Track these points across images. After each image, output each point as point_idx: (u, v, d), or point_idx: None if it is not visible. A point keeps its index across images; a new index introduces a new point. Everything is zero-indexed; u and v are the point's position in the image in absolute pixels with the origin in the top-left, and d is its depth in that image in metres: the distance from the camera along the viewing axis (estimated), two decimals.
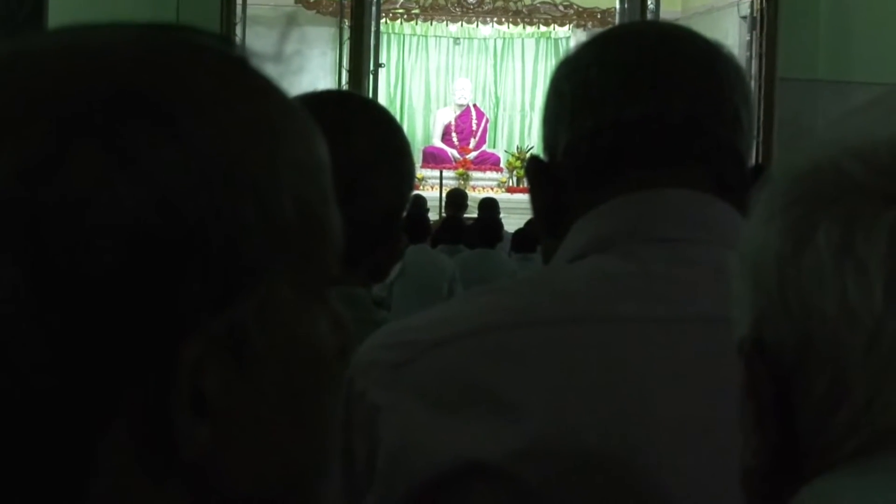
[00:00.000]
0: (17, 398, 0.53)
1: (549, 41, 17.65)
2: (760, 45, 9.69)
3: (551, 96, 1.06)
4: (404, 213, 1.51)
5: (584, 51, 1.06)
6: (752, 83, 9.54)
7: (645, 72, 1.00)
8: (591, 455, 0.87)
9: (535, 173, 1.06)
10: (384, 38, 15.46)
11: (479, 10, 16.93)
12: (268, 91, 0.62)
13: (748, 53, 9.86)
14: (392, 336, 0.98)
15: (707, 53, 1.03)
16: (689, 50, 1.02)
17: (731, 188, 1.00)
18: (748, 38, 10.02)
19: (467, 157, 16.87)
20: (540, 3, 16.51)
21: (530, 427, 0.88)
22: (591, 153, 1.01)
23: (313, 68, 11.30)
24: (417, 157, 17.19)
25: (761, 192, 0.65)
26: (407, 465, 0.91)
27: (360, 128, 1.47)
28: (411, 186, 1.53)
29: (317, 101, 1.46)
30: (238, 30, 8.74)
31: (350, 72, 10.13)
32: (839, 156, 0.62)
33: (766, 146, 9.08)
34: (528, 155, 1.16)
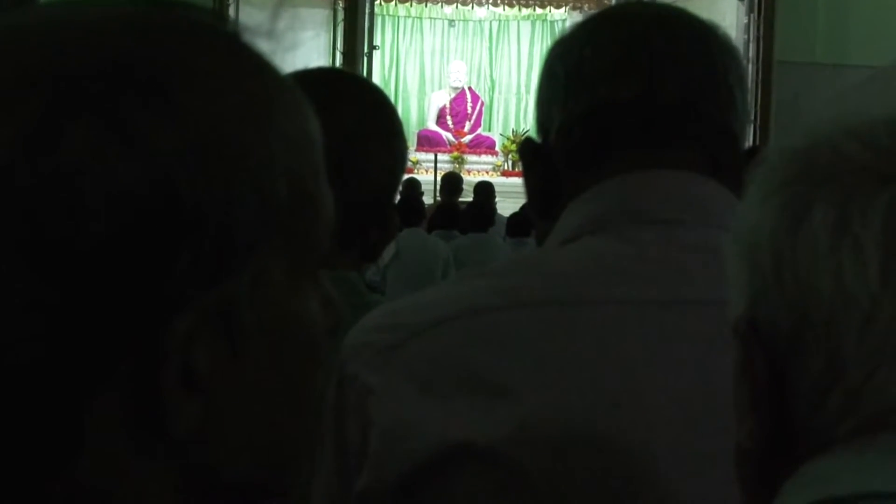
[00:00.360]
0: (5, 367, 0.53)
1: (545, 23, 17.63)
2: (758, 28, 9.69)
3: (545, 77, 1.06)
4: (397, 195, 1.51)
5: (578, 31, 1.06)
6: (750, 66, 9.54)
7: (639, 52, 1.00)
8: (581, 436, 0.87)
9: (529, 154, 1.07)
10: (378, 20, 15.44)
11: None
12: (261, 67, 0.62)
13: (746, 36, 9.86)
14: (384, 318, 0.98)
15: (702, 35, 1.03)
16: (683, 31, 1.02)
17: (725, 170, 1.00)
18: (746, 20, 10.02)
19: (462, 140, 16.87)
20: None
21: (521, 409, 0.88)
22: (584, 134, 1.01)
23: (306, 50, 11.26)
24: (412, 141, 17.20)
25: (756, 171, 0.65)
26: (399, 447, 0.91)
27: (350, 106, 1.46)
28: (403, 167, 1.53)
29: (308, 78, 1.45)
30: (230, 11, 8.74)
31: (344, 54, 10.13)
32: (836, 135, 0.62)
33: (763, 130, 9.09)
34: (523, 137, 1.16)
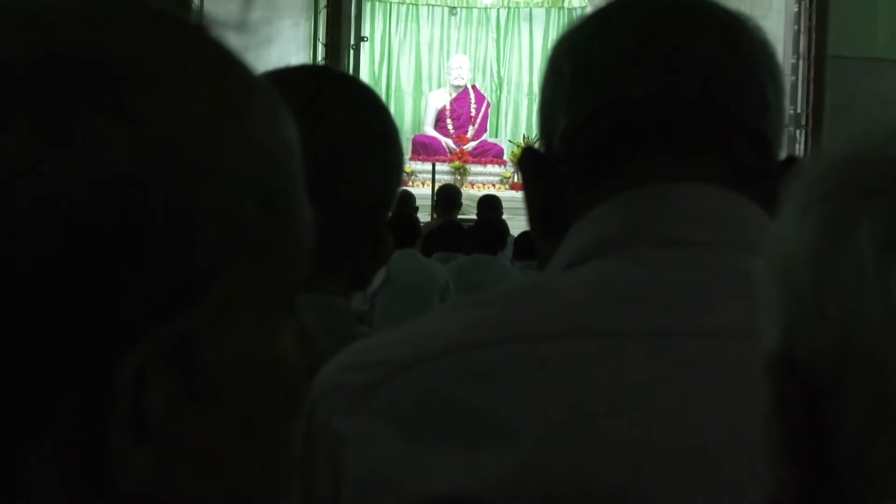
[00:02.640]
0: None
1: (561, 11, 17.65)
2: (809, 18, 9.70)
3: (548, 77, 1.06)
4: (390, 212, 1.51)
5: (585, 23, 1.06)
6: (800, 62, 9.55)
7: (654, 45, 1.00)
8: (584, 488, 0.87)
9: (530, 167, 1.07)
10: (367, 7, 15.47)
11: None
12: (230, 64, 0.62)
13: (796, 27, 9.86)
14: (359, 356, 0.98)
15: (727, 24, 1.03)
16: (705, 21, 1.03)
17: (756, 182, 1.00)
18: (795, 9, 10.03)
19: (465, 147, 16.86)
20: None
21: (516, 456, 0.88)
22: (591, 139, 1.01)
23: (283, 41, 11.27)
24: (406, 148, 17.19)
25: (794, 182, 0.65)
26: (376, 502, 0.91)
27: (336, 109, 1.46)
28: (399, 180, 1.52)
29: (287, 77, 1.45)
30: (195, 0, 8.73)
31: (326, 46, 10.14)
32: (884, 140, 0.62)
33: (815, 135, 9.08)
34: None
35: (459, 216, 9.60)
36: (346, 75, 1.58)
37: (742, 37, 1.03)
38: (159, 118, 0.57)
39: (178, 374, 0.57)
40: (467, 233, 7.70)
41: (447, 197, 9.75)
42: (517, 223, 10.86)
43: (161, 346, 0.56)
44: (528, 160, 1.07)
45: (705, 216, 0.98)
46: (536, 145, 1.11)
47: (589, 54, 1.02)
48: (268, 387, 0.61)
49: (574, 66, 1.03)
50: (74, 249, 0.54)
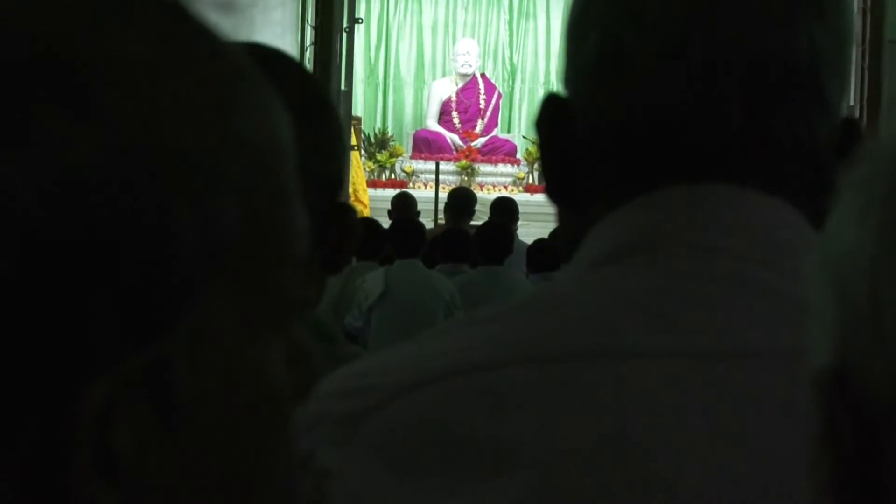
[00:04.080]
0: None
1: None
2: (865, 0, 9.71)
3: (573, 35, 1.05)
4: (345, 185, 1.53)
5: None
6: (855, 48, 9.55)
7: (695, 38, 1.00)
8: None
9: (549, 123, 1.06)
10: None
11: None
12: (213, 50, 0.62)
13: None
14: (348, 381, 0.98)
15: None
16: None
17: (807, 185, 1.01)
18: None
19: (472, 144, 16.90)
20: None
21: (522, 491, 0.88)
22: (618, 142, 1.01)
23: (269, 23, 11.29)
24: (407, 145, 17.25)
25: (851, 177, 0.65)
26: None
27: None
28: (344, 146, 1.55)
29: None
30: None
31: (316, 29, 10.16)
32: None
33: (871, 127, 9.07)
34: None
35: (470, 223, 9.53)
36: (266, 47, 1.58)
37: (798, 7, 1.01)
38: (129, 115, 0.56)
39: (150, 406, 0.56)
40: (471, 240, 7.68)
41: (460, 201, 9.55)
42: (533, 230, 10.88)
43: (130, 375, 0.55)
44: (548, 114, 1.06)
45: (741, 221, 0.98)
46: (551, 92, 1.10)
47: (621, 39, 1.01)
48: (253, 417, 0.61)
49: (603, 47, 1.02)
50: (29, 266, 0.54)
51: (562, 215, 1.08)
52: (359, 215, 1.52)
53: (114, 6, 0.59)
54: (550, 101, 1.06)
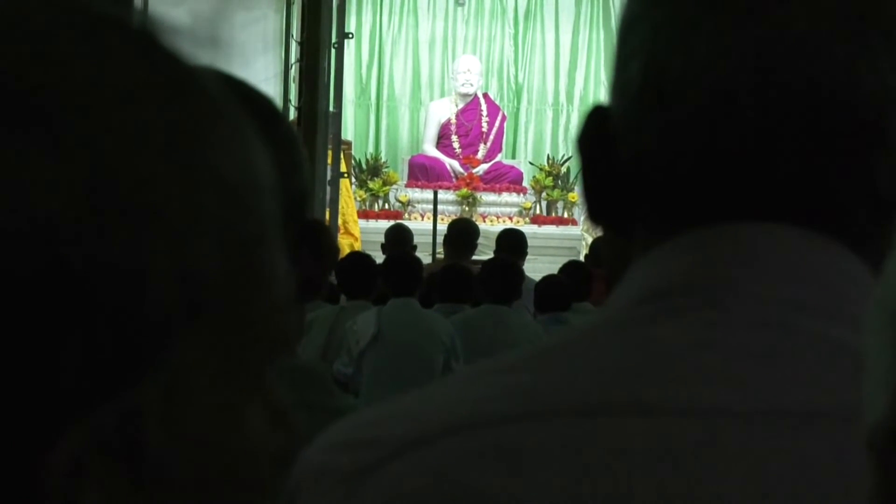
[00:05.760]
0: None
1: (594, 1, 17.76)
2: None
3: (617, 59, 1.05)
4: (310, 199, 1.53)
5: (658, 7, 1.04)
6: None
7: (751, 65, 0.99)
8: None
9: (592, 141, 1.05)
10: None
11: None
12: (186, 80, 0.62)
13: None
14: (350, 432, 0.98)
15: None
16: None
17: (865, 235, 1.00)
18: None
19: (474, 171, 16.95)
20: None
21: None
22: (661, 175, 1.01)
23: (250, 39, 11.33)
24: (402, 172, 17.30)
25: None
26: None
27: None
28: (303, 157, 1.55)
29: None
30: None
31: (301, 44, 10.18)
32: None
33: None
34: (589, 112, 1.11)
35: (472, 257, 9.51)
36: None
37: (868, 16, 1.00)
38: (93, 149, 0.57)
39: (120, 464, 0.57)
40: (476, 279, 7.65)
41: (460, 235, 9.50)
42: (541, 265, 10.90)
43: (101, 430, 0.56)
44: (591, 131, 1.05)
45: (797, 267, 0.98)
46: (599, 105, 1.08)
47: (668, 68, 1.00)
48: (231, 477, 0.62)
49: (648, 74, 1.01)
50: None
51: (605, 239, 1.08)
52: (349, 249, 1.52)
53: (74, 32, 0.59)
54: (596, 114, 1.05)
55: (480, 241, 10.00)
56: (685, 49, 1.01)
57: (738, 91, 0.99)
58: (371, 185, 16.81)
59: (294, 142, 1.53)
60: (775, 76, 0.98)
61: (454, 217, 12.70)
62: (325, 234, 1.52)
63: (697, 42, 1.00)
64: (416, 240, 10.20)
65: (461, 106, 17.41)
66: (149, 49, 0.62)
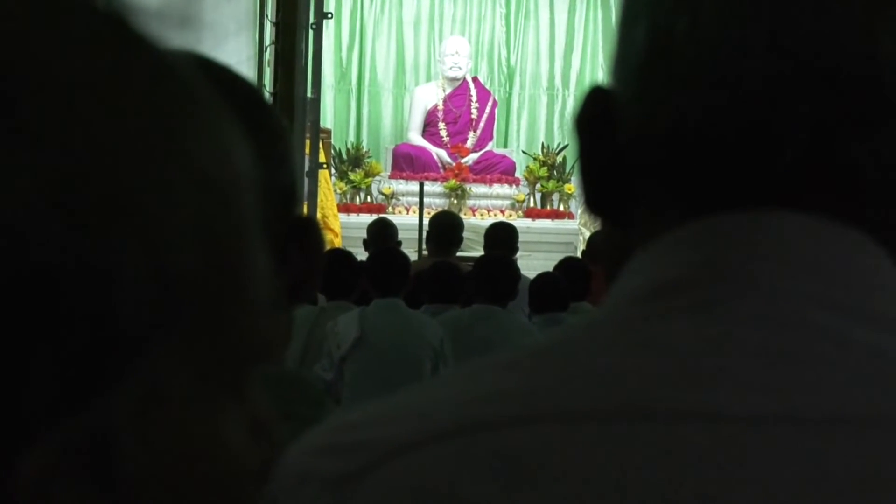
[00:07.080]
0: None
1: None
2: None
3: (620, 30, 1.05)
4: (301, 199, 1.53)
5: None
6: None
7: (761, 33, 1.00)
8: None
9: (589, 122, 1.05)
10: None
11: None
12: (157, 65, 0.62)
13: None
14: (336, 435, 0.98)
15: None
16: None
17: (889, 222, 1.00)
18: None
19: (463, 161, 16.97)
20: None
21: None
22: (665, 155, 1.01)
23: (222, 21, 11.35)
24: (385, 162, 17.33)
25: None
26: None
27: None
28: (291, 148, 1.55)
29: None
30: None
31: (277, 25, 10.18)
32: None
33: None
34: (589, 91, 1.12)
35: (459, 253, 9.53)
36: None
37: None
38: (61, 143, 0.57)
39: (90, 479, 0.57)
40: (467, 277, 7.67)
41: (443, 229, 9.55)
42: (535, 262, 10.91)
43: (70, 443, 0.56)
44: (590, 111, 1.05)
45: (813, 259, 0.98)
46: (597, 86, 1.09)
47: (672, 32, 1.01)
48: (208, 492, 0.62)
49: (652, 39, 1.02)
50: None
51: (604, 230, 1.08)
52: (329, 246, 1.52)
53: (37, 14, 0.59)
54: (595, 94, 1.05)
55: (470, 235, 10.02)
56: (692, 12, 1.01)
57: (746, 64, 0.99)
58: (352, 176, 16.83)
59: (281, 132, 1.53)
60: (788, 47, 0.99)
61: (438, 210, 12.69)
62: (315, 234, 1.51)
63: (706, 6, 1.01)
64: (400, 235, 10.21)
65: (449, 91, 17.43)
66: (116, 32, 0.62)
